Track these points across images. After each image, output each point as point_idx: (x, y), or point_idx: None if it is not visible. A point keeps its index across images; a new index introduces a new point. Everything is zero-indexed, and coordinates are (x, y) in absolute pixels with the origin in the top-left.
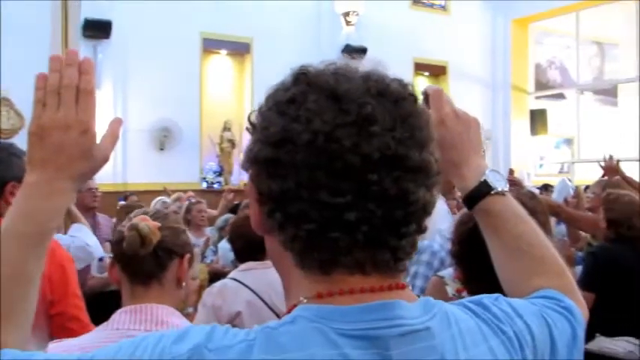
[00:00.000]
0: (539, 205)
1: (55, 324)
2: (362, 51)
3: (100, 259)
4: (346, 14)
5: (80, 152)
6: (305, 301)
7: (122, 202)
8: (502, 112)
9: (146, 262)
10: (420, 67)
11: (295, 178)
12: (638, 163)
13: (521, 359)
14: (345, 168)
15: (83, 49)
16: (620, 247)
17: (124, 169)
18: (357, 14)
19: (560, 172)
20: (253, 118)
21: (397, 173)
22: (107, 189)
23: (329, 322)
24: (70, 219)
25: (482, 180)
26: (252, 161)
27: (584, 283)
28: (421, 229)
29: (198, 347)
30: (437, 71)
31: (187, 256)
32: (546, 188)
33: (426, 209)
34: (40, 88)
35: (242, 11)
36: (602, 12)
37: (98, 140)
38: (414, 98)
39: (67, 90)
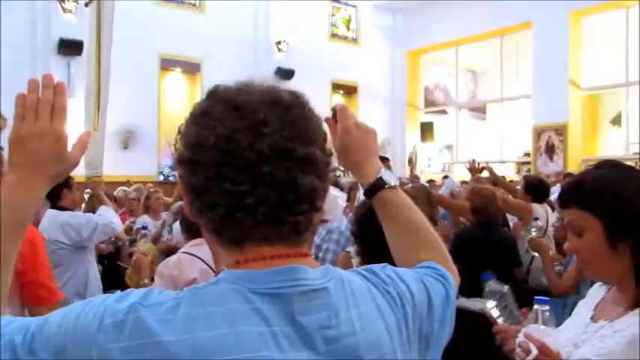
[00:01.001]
0: (419, 194)
1: (27, 291)
2: (291, 73)
3: None
4: (278, 42)
5: (54, 157)
6: (226, 268)
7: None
8: (399, 123)
9: None
10: (336, 87)
11: (206, 173)
12: (499, 164)
13: (403, 314)
14: (243, 163)
15: (58, 64)
16: (475, 229)
17: None
18: (288, 43)
19: (443, 171)
20: (182, 128)
21: (287, 164)
22: (79, 180)
23: (245, 283)
24: (98, 202)
25: (378, 177)
26: (179, 162)
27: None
28: (315, 208)
29: (135, 304)
30: (350, 90)
31: None
32: (431, 182)
33: (316, 192)
34: (20, 105)
35: (194, 36)
36: (475, 47)
37: (70, 147)
38: (304, 105)
39: (43, 107)
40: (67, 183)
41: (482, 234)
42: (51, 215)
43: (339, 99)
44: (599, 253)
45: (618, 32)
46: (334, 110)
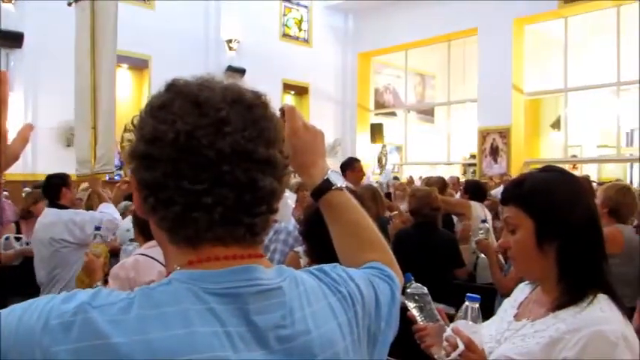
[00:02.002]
0: (366, 193)
1: None
2: (241, 72)
3: (7, 238)
4: (229, 41)
5: None
6: (179, 268)
7: (26, 189)
8: (350, 124)
9: None
10: (287, 87)
11: (163, 169)
12: (446, 165)
13: (354, 313)
14: (202, 161)
15: None
16: (413, 230)
17: (33, 161)
18: (239, 41)
19: (393, 172)
20: (135, 121)
21: (247, 165)
22: (17, 178)
23: (198, 283)
24: (99, 200)
25: (325, 178)
26: (132, 156)
27: None
28: (272, 210)
29: (83, 305)
30: (301, 91)
31: None
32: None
33: (274, 194)
34: None
35: (142, 32)
36: (424, 51)
37: (10, 141)
38: (265, 105)
39: None
40: (65, 181)
41: (420, 235)
42: (52, 214)
43: (290, 99)
44: (528, 251)
45: (558, 41)
46: (282, 111)
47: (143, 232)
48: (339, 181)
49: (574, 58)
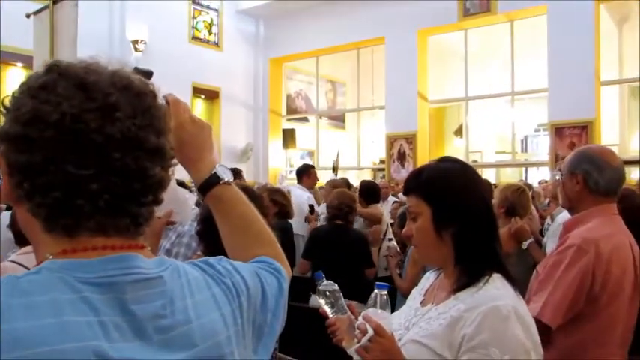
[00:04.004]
0: (261, 191)
1: None
2: (149, 73)
3: None
4: (135, 42)
5: None
6: (51, 257)
7: None
8: (262, 130)
9: None
10: (197, 91)
11: (44, 152)
12: (357, 170)
13: (238, 304)
14: (90, 145)
15: None
16: (329, 228)
17: None
18: (145, 43)
19: None
20: (7, 102)
21: (137, 153)
22: None
23: (72, 272)
24: None
25: (212, 173)
26: (3, 138)
27: (304, 253)
28: (157, 201)
29: None
30: (211, 95)
31: None
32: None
33: (162, 184)
34: None
35: None
36: (334, 59)
37: None
38: (154, 95)
39: None
40: None
41: (336, 233)
42: None
43: (200, 103)
44: (428, 237)
45: (459, 52)
46: (167, 101)
47: (20, 241)
48: (226, 175)
49: (474, 69)
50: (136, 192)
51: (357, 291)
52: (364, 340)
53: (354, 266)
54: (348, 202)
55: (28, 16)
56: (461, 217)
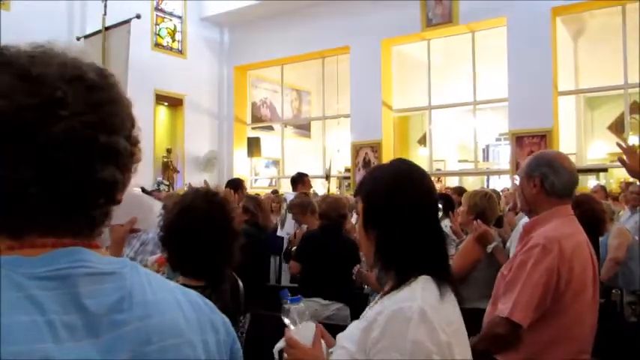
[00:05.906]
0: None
1: None
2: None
3: None
4: None
5: None
6: None
7: None
8: (227, 138)
9: None
10: (160, 98)
11: None
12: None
13: (209, 319)
14: (30, 145)
15: None
16: (320, 232)
17: None
18: None
19: (270, 185)
20: None
21: (84, 153)
22: None
23: (17, 268)
24: None
25: None
26: None
27: (295, 256)
28: (113, 201)
29: None
30: (175, 102)
31: None
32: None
33: (116, 185)
34: None
35: None
36: (299, 67)
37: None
38: (111, 87)
39: None
40: None
41: (325, 236)
42: None
43: (163, 111)
44: (361, 235)
45: (422, 61)
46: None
47: None
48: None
49: (437, 78)
50: (84, 195)
51: (343, 292)
52: (275, 349)
53: (342, 268)
54: (336, 208)
55: (78, 39)
56: (384, 221)
